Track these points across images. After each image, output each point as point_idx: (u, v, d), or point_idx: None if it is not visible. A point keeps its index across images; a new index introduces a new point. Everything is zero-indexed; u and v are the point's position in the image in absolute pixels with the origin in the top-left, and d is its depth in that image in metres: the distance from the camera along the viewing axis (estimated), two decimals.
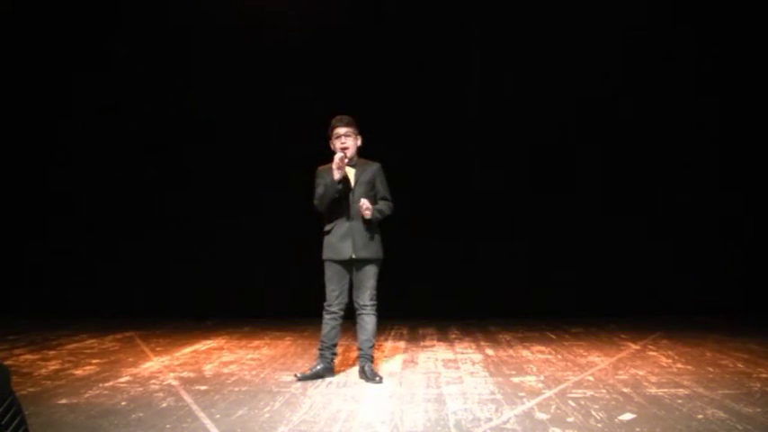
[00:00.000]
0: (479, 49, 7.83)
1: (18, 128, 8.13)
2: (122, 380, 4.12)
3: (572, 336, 6.06)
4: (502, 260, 7.64)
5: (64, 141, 8.02)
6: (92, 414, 3.27)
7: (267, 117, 7.87)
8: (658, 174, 7.65)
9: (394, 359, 4.89)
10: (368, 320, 4.07)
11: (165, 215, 7.91)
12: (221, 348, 5.49)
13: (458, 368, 4.53)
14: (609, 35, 7.57)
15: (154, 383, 4.00)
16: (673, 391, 3.68)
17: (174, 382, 4.01)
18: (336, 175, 3.96)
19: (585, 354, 5.06)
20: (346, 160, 4.01)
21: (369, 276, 4.07)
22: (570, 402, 3.44)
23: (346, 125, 4.09)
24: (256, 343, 5.79)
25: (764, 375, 4.12)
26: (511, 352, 5.19)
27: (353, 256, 4.02)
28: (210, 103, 7.86)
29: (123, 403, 3.49)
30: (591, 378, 4.09)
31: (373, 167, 4.17)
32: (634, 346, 5.34)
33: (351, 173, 4.08)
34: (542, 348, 5.35)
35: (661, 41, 7.62)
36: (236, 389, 3.84)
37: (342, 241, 4.03)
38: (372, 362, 4.11)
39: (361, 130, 4.18)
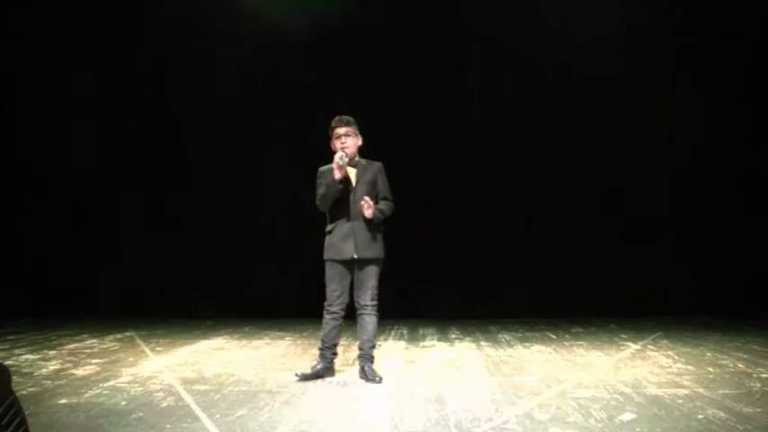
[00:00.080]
0: (480, 47, 7.82)
1: (18, 128, 8.12)
2: (122, 380, 4.12)
3: (572, 336, 6.06)
4: (502, 260, 7.64)
5: (63, 140, 8.01)
6: (92, 414, 3.27)
7: (267, 117, 7.86)
8: (657, 173, 7.64)
9: (394, 359, 4.89)
10: (368, 320, 4.07)
11: (166, 215, 7.90)
12: (221, 348, 5.49)
13: (458, 368, 4.53)
14: (610, 35, 7.57)
15: (154, 383, 4.00)
16: (673, 391, 3.68)
17: (174, 382, 4.01)
18: (337, 175, 3.96)
19: (585, 354, 5.06)
20: (347, 159, 4.01)
21: (370, 276, 4.07)
22: (570, 402, 3.44)
23: (346, 125, 4.09)
24: (256, 343, 5.79)
25: (764, 375, 4.12)
26: (511, 352, 5.19)
27: (355, 256, 4.02)
28: (210, 102, 7.85)
29: (123, 403, 3.49)
30: (591, 378, 4.08)
31: (374, 167, 4.17)
32: (634, 346, 5.34)
33: (352, 173, 4.09)
34: (542, 348, 5.35)
35: (667, 41, 7.62)
36: (236, 389, 3.84)
37: (343, 241, 4.03)
38: (372, 362, 4.11)
39: (362, 129, 4.18)
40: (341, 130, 4.08)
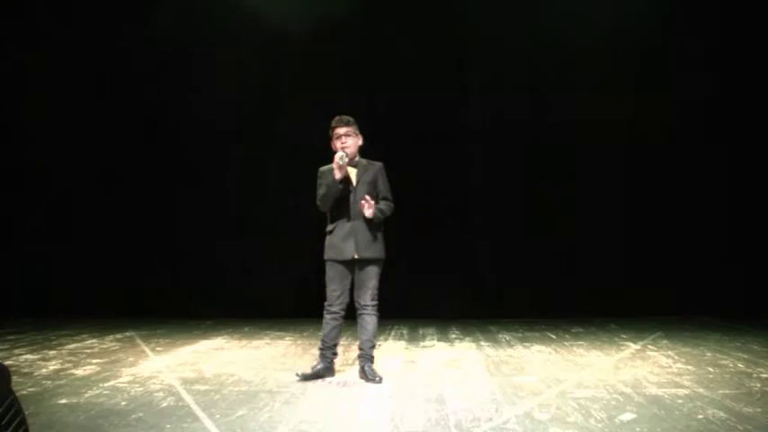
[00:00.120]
0: (480, 48, 7.83)
1: (18, 128, 8.13)
2: (122, 380, 4.12)
3: (572, 336, 6.06)
4: (502, 260, 7.64)
5: (63, 140, 8.01)
6: (92, 414, 3.27)
7: (268, 117, 7.86)
8: (658, 173, 7.64)
9: (394, 359, 4.89)
10: (369, 320, 4.07)
11: (166, 215, 7.89)
12: (221, 348, 5.49)
13: (458, 368, 4.54)
14: (611, 35, 7.59)
15: (154, 383, 4.00)
16: (673, 391, 3.68)
17: (174, 382, 4.01)
18: (337, 175, 3.96)
19: (585, 354, 5.06)
20: (347, 159, 4.01)
21: (371, 276, 4.07)
22: (570, 402, 3.44)
23: (346, 125, 4.09)
24: (256, 343, 5.79)
25: (764, 375, 4.12)
26: (511, 352, 5.19)
27: (356, 256, 4.02)
28: (210, 102, 7.85)
29: (123, 403, 3.49)
30: (591, 378, 4.08)
31: (375, 167, 4.18)
32: (634, 346, 5.34)
33: (352, 173, 4.09)
34: (542, 348, 5.35)
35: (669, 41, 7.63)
36: (236, 389, 3.84)
37: (344, 241, 4.03)
38: (372, 362, 4.11)
39: (362, 129, 4.18)
40: (341, 130, 4.08)
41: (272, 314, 7.40)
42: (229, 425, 3.05)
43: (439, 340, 5.89)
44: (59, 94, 7.95)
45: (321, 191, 4.08)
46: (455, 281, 7.55)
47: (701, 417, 3.12)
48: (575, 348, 5.32)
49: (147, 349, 5.37)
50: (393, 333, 6.31)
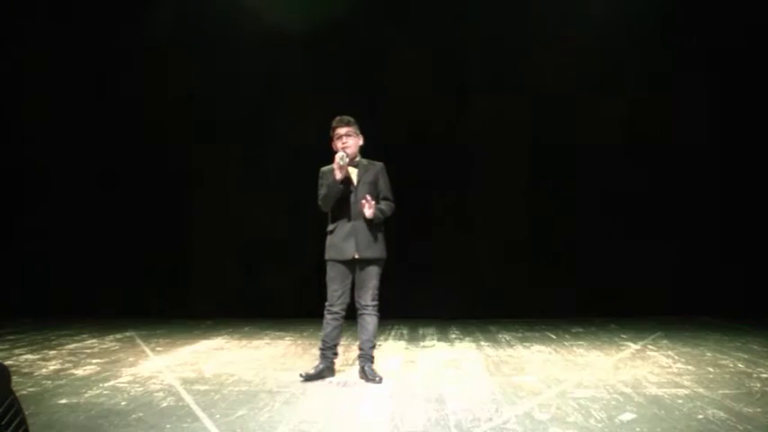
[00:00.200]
0: (480, 47, 7.83)
1: (18, 128, 8.13)
2: (122, 380, 4.12)
3: (572, 336, 6.06)
4: (502, 260, 7.63)
5: (63, 140, 8.01)
6: (92, 414, 3.27)
7: (268, 117, 7.87)
8: (658, 173, 7.64)
9: (394, 359, 4.89)
10: (369, 321, 4.07)
11: (165, 215, 7.89)
12: (221, 348, 5.49)
13: (458, 368, 4.54)
14: (610, 35, 7.60)
15: (154, 383, 4.00)
16: (673, 391, 3.68)
17: (174, 382, 4.01)
18: (338, 176, 3.97)
19: (585, 354, 5.06)
20: (347, 160, 4.01)
21: (371, 276, 4.07)
22: (570, 402, 3.44)
23: (347, 125, 4.10)
24: (256, 343, 5.79)
25: (764, 375, 4.12)
26: (511, 352, 5.19)
27: (357, 256, 4.02)
28: (211, 102, 7.85)
29: (123, 403, 3.49)
30: (591, 378, 4.09)
31: (376, 167, 4.18)
32: (634, 346, 5.34)
33: (353, 173, 4.09)
34: (542, 348, 5.35)
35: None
36: (236, 389, 3.84)
37: (345, 241, 4.03)
38: (372, 362, 4.11)
39: (362, 129, 4.19)
40: (341, 131, 4.08)
41: (272, 314, 7.40)
42: (229, 425, 3.05)
43: (439, 340, 5.89)
44: (59, 94, 7.95)
45: (322, 191, 4.08)
46: (455, 281, 7.55)
47: (701, 417, 3.12)
48: (575, 348, 5.32)
49: (147, 349, 5.37)
50: (393, 333, 6.31)
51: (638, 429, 2.94)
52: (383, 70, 7.68)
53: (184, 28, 7.85)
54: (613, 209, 7.59)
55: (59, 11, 7.93)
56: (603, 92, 7.55)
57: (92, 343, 5.71)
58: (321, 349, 4.14)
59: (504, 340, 5.84)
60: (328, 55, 7.73)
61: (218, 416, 3.21)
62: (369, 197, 3.96)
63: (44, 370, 4.47)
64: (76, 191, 7.99)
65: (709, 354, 4.95)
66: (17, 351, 5.29)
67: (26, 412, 2.11)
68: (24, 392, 3.70)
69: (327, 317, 4.08)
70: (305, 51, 7.75)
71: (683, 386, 3.80)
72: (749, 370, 4.30)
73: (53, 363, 4.74)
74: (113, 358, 4.94)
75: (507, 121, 7.67)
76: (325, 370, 4.12)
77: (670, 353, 5.00)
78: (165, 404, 3.47)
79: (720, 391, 3.65)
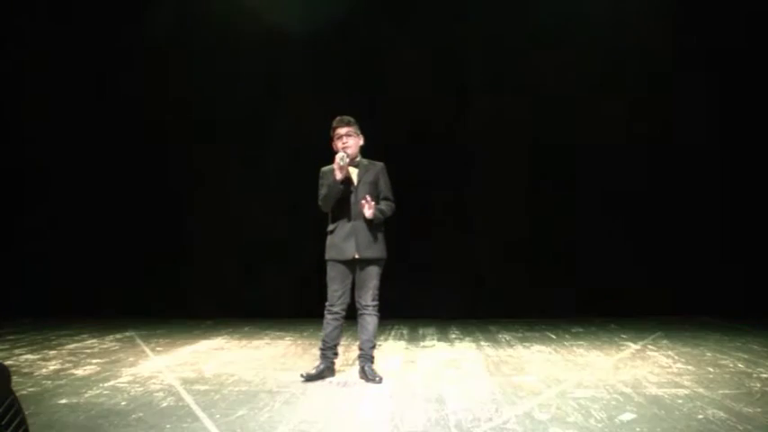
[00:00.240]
0: (480, 47, 7.83)
1: (18, 128, 8.13)
2: (122, 380, 4.12)
3: (572, 336, 6.06)
4: (502, 260, 7.63)
5: (63, 140, 8.00)
6: (92, 414, 3.27)
7: (268, 117, 7.87)
8: (658, 174, 7.64)
9: (394, 359, 4.89)
10: (369, 321, 4.07)
11: (165, 215, 7.89)
12: (221, 348, 5.49)
13: (458, 368, 4.54)
14: (610, 34, 7.60)
15: (154, 383, 4.00)
16: (673, 391, 3.68)
17: (174, 382, 4.01)
18: (338, 176, 3.97)
19: (585, 354, 5.06)
20: (347, 160, 4.01)
21: (372, 276, 4.07)
22: (570, 402, 3.44)
23: (347, 125, 4.10)
24: (256, 343, 5.79)
25: (764, 375, 4.12)
26: (511, 352, 5.19)
27: (357, 256, 4.02)
28: (211, 102, 7.85)
29: (123, 403, 3.49)
30: (591, 378, 4.09)
31: (376, 167, 4.18)
32: (634, 346, 5.34)
33: (353, 173, 4.09)
34: (542, 348, 5.35)
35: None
36: (236, 389, 3.84)
37: (345, 241, 4.03)
38: (372, 362, 4.11)
39: (362, 129, 4.19)
40: (342, 131, 4.09)
41: (272, 314, 7.40)
42: (229, 425, 3.06)
43: (439, 340, 5.89)
44: (59, 94, 7.95)
45: (322, 191, 4.09)
46: (455, 281, 7.55)
47: (701, 417, 3.12)
48: (575, 348, 5.32)
49: (147, 349, 5.37)
50: (393, 333, 6.31)
51: (638, 429, 2.94)
52: (383, 70, 7.68)
53: (184, 28, 7.85)
54: (613, 209, 7.58)
55: (59, 11, 7.93)
56: (603, 92, 7.55)
57: (92, 343, 5.71)
58: (321, 349, 4.14)
59: (504, 340, 5.84)
60: (328, 55, 7.73)
61: (218, 416, 3.21)
62: (368, 197, 3.96)
63: (44, 370, 4.47)
64: (76, 191, 7.98)
65: (709, 354, 4.95)
66: (17, 351, 5.29)
67: (26, 412, 2.11)
68: (24, 392, 3.70)
69: (328, 317, 4.08)
70: (305, 51, 7.75)
71: (683, 386, 3.80)
72: (749, 370, 4.30)
73: (53, 363, 4.74)
74: (113, 358, 4.94)
75: (507, 121, 7.68)
76: (326, 370, 4.12)
77: (670, 353, 5.00)
78: (165, 404, 3.47)
79: (720, 391, 3.65)
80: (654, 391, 3.68)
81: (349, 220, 4.05)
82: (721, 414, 3.16)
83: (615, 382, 3.91)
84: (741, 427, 2.94)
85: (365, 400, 3.58)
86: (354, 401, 3.54)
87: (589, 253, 7.55)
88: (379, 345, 5.17)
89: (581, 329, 6.44)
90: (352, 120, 4.14)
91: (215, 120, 7.86)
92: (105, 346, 5.51)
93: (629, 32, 7.62)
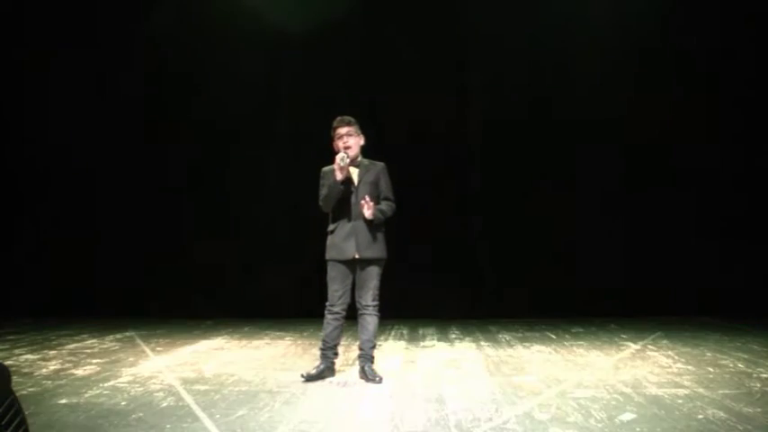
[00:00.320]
0: (480, 47, 7.83)
1: (18, 128, 8.13)
2: (122, 380, 4.12)
3: (572, 336, 6.06)
4: (502, 260, 7.63)
5: (63, 140, 8.00)
6: (92, 414, 3.27)
7: (268, 117, 7.87)
8: (657, 174, 7.63)
9: (394, 359, 4.89)
10: (369, 321, 4.07)
11: (165, 215, 7.89)
12: (221, 348, 5.49)
13: (458, 368, 4.54)
14: (610, 34, 7.61)
15: (154, 383, 4.00)
16: (673, 391, 3.68)
17: (174, 382, 4.01)
18: (338, 176, 3.97)
19: (585, 354, 5.06)
20: (348, 161, 4.01)
21: (372, 276, 4.07)
22: (570, 402, 3.44)
23: (347, 125, 4.10)
24: (256, 343, 5.79)
25: (764, 375, 4.12)
26: (511, 352, 5.19)
27: (357, 256, 4.02)
28: (210, 102, 7.85)
29: (123, 403, 3.49)
30: (591, 378, 4.09)
31: (377, 167, 4.18)
32: (634, 346, 5.34)
33: (354, 173, 4.09)
34: (542, 348, 5.35)
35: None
36: (236, 389, 3.84)
37: (345, 241, 4.03)
38: (372, 362, 4.11)
39: (364, 129, 4.19)
40: (342, 130, 4.09)
41: (272, 314, 7.40)
42: (229, 425, 3.05)
43: (439, 340, 5.89)
44: (59, 94, 7.95)
45: (323, 191, 4.09)
46: (455, 281, 7.55)
47: (701, 417, 3.12)
48: (575, 348, 5.32)
49: (147, 349, 5.37)
50: (393, 333, 6.31)
51: (638, 429, 2.94)
52: (383, 70, 7.68)
53: (185, 28, 7.84)
54: (613, 209, 7.58)
55: (59, 11, 7.92)
56: (603, 92, 7.55)
57: (92, 343, 5.71)
58: (321, 349, 4.14)
59: (504, 340, 5.84)
60: (328, 55, 7.73)
61: (218, 416, 3.21)
62: (368, 198, 3.96)
63: (44, 370, 4.47)
64: (76, 191, 7.98)
65: (709, 354, 4.95)
66: (17, 351, 5.29)
67: (26, 412, 2.11)
68: (24, 392, 3.70)
69: (328, 317, 4.08)
70: (305, 51, 7.75)
71: (683, 386, 3.80)
72: (749, 370, 4.30)
73: (53, 363, 4.74)
74: (113, 358, 4.94)
75: (507, 121, 7.68)
76: (326, 370, 4.12)
77: (670, 353, 5.00)
78: (165, 404, 3.47)
79: (720, 391, 3.65)
80: (654, 391, 3.68)
81: (349, 220, 4.05)
82: (721, 414, 3.16)
83: (615, 382, 3.91)
84: (741, 427, 2.94)
85: (365, 400, 3.58)
86: (354, 401, 3.54)
87: (589, 253, 7.55)
88: (380, 345, 5.17)
89: (581, 329, 6.44)
90: (352, 120, 4.14)
91: (215, 120, 7.86)
92: (105, 346, 5.51)
93: (629, 32, 7.62)
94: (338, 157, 3.98)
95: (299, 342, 5.77)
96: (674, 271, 7.47)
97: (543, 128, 7.65)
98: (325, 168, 4.15)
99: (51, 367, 4.56)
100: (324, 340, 4.11)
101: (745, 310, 7.11)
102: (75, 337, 6.02)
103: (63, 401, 3.53)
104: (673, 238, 7.53)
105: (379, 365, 4.23)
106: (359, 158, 4.14)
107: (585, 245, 7.57)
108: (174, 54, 7.94)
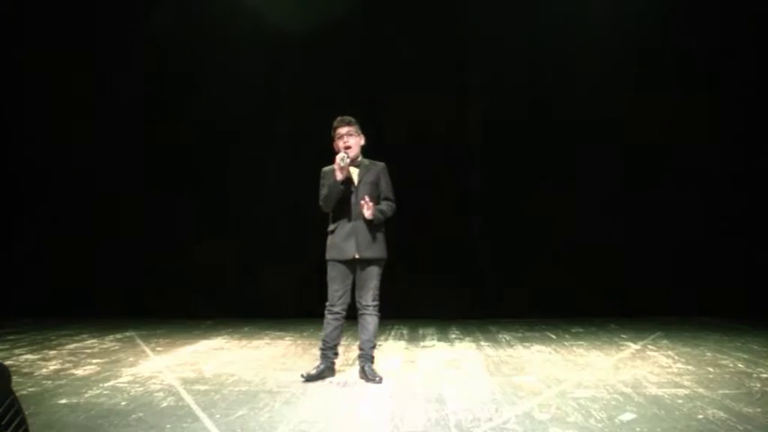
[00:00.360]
0: (480, 47, 7.84)
1: (18, 128, 8.13)
2: (122, 380, 4.12)
3: (572, 336, 6.06)
4: (502, 260, 7.63)
5: (64, 140, 8.00)
6: (92, 414, 3.27)
7: (268, 117, 7.87)
8: (657, 174, 7.64)
9: (394, 359, 4.89)
10: (370, 321, 4.07)
11: (165, 215, 7.89)
12: (221, 348, 5.49)
13: (458, 368, 4.54)
14: (610, 34, 7.62)
15: (154, 383, 4.00)
16: (673, 391, 3.68)
17: (174, 382, 4.01)
18: (338, 176, 3.97)
19: (585, 354, 5.06)
20: (348, 161, 4.01)
21: (372, 276, 4.07)
22: (570, 402, 3.44)
23: (348, 125, 4.10)
24: (256, 343, 5.79)
25: (764, 375, 4.12)
26: (511, 352, 5.19)
27: (357, 256, 4.02)
28: (210, 102, 7.85)
29: (123, 403, 3.49)
30: (591, 378, 4.09)
31: (377, 167, 4.18)
32: (634, 346, 5.34)
33: (354, 173, 4.09)
34: (542, 348, 5.35)
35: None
36: (236, 389, 3.84)
37: (345, 241, 4.03)
38: (373, 362, 4.11)
39: (364, 129, 4.19)
40: (343, 130, 4.09)
41: (272, 314, 7.40)
42: (229, 425, 3.06)
43: (439, 340, 5.89)
44: (59, 94, 7.94)
45: (323, 191, 4.09)
46: (455, 281, 7.55)
47: (701, 417, 3.12)
48: (575, 348, 5.32)
49: (147, 349, 5.37)
50: (393, 333, 6.31)
51: (638, 429, 2.94)
52: (383, 70, 7.68)
53: (185, 27, 7.84)
54: (613, 209, 7.58)
55: (59, 11, 7.92)
56: (603, 92, 7.55)
57: (92, 343, 5.71)
58: (322, 349, 4.14)
59: (504, 340, 5.84)
60: (328, 55, 7.73)
61: (218, 416, 3.21)
62: (367, 198, 3.96)
63: (44, 370, 4.47)
64: (76, 191, 7.98)
65: (709, 354, 4.95)
66: (17, 351, 5.29)
67: (26, 412, 2.11)
68: (24, 392, 3.70)
69: (328, 317, 4.08)
70: (305, 51, 7.75)
71: (683, 386, 3.80)
72: (749, 370, 4.30)
73: (53, 363, 4.74)
74: (113, 358, 4.94)
75: (507, 121, 7.68)
76: (326, 370, 4.12)
77: (670, 353, 5.00)
78: (165, 404, 3.47)
79: (720, 391, 3.65)
80: (654, 391, 3.68)
81: (349, 220, 4.05)
82: (721, 414, 3.16)
83: (615, 382, 3.91)
84: (741, 427, 2.94)
85: (365, 400, 3.58)
86: (354, 401, 3.54)
87: (589, 253, 7.55)
88: (380, 345, 5.17)
89: (581, 329, 6.44)
90: (352, 119, 4.14)
91: (215, 120, 7.86)
92: (105, 346, 5.51)
93: (629, 32, 7.62)
94: (338, 157, 3.98)
95: (299, 342, 5.77)
96: (674, 271, 7.47)
97: (543, 128, 7.65)
98: (326, 168, 4.15)
99: (51, 367, 4.56)
100: (324, 340, 4.11)
101: (745, 310, 7.11)
102: (75, 337, 6.02)
103: (63, 401, 3.53)
104: (673, 238, 7.53)
105: (379, 365, 4.23)
106: (359, 158, 4.14)
107: (585, 245, 7.57)
108: (174, 54, 7.93)
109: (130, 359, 4.90)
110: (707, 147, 7.55)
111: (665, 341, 5.59)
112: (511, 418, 3.15)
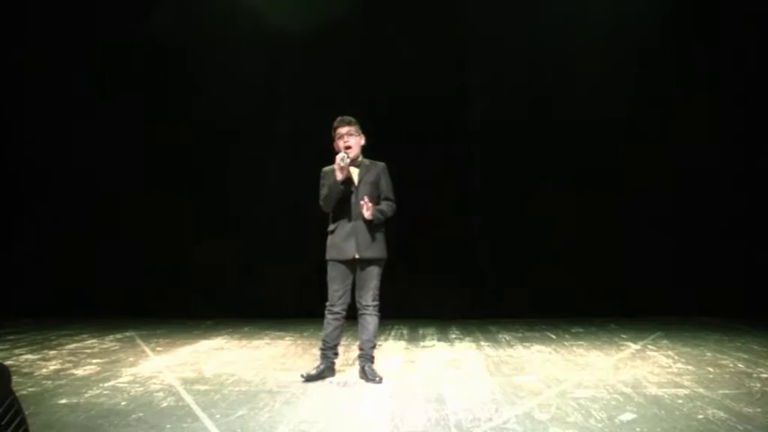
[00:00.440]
0: (480, 47, 7.83)
1: (18, 128, 8.13)
2: (122, 380, 4.12)
3: (572, 336, 6.06)
4: (502, 260, 7.63)
5: (63, 140, 8.00)
6: (92, 414, 3.27)
7: (267, 117, 7.87)
8: (657, 174, 7.63)
9: (394, 359, 4.89)
10: (370, 321, 4.07)
11: (166, 215, 7.88)
12: (221, 348, 5.49)
13: (458, 368, 4.54)
14: (610, 35, 7.61)
15: (154, 383, 4.00)
16: (673, 391, 3.68)
17: (174, 382, 4.01)
18: (339, 176, 3.97)
19: (585, 354, 5.06)
20: (348, 161, 4.01)
21: (372, 276, 4.07)
22: (570, 402, 3.44)
23: (348, 125, 4.10)
24: (256, 343, 5.79)
25: (764, 375, 4.12)
26: (511, 352, 5.19)
27: (357, 256, 4.02)
28: (210, 102, 7.85)
29: (123, 403, 3.49)
30: (591, 378, 4.09)
31: (377, 167, 4.18)
32: (634, 346, 5.34)
33: (354, 173, 4.09)
34: (542, 348, 5.35)
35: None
36: (236, 389, 3.84)
37: (345, 241, 4.03)
38: (373, 362, 4.11)
39: (364, 129, 4.19)
40: (343, 130, 4.09)
41: (272, 314, 7.40)
42: (229, 425, 3.06)
43: (439, 340, 5.89)
44: (59, 94, 7.95)
45: (323, 191, 4.09)
46: (455, 281, 7.55)
47: (701, 417, 3.13)
48: (575, 348, 5.32)
49: (147, 349, 5.37)
50: (393, 333, 6.31)
51: (638, 429, 2.94)
52: (383, 70, 7.68)
53: (185, 28, 7.84)
54: (613, 209, 7.58)
55: (59, 11, 7.92)
56: (603, 92, 7.55)
57: (92, 343, 5.71)
58: (322, 349, 4.14)
59: (504, 340, 5.84)
60: (328, 55, 7.73)
61: (218, 416, 3.21)
62: (367, 199, 3.96)
63: (44, 370, 4.47)
64: (76, 191, 7.98)
65: (709, 354, 4.95)
66: (17, 351, 5.29)
67: (26, 412, 2.11)
68: (24, 392, 3.70)
69: (328, 317, 4.08)
70: (305, 51, 7.75)
71: (683, 386, 3.80)
72: (749, 370, 4.30)
73: (53, 363, 4.74)
74: (113, 358, 4.94)
75: (507, 121, 7.68)
76: (326, 370, 4.12)
77: (670, 353, 5.00)
78: (165, 404, 3.47)
79: (720, 391, 3.65)
80: (654, 391, 3.68)
81: (349, 220, 4.05)
82: (721, 414, 3.16)
83: (615, 382, 3.91)
84: (741, 427, 2.94)
85: (365, 400, 3.58)
86: (354, 401, 3.54)
87: (589, 253, 7.55)
88: (380, 345, 5.17)
89: (581, 329, 6.44)
90: (352, 119, 4.14)
91: (215, 120, 7.86)
92: (105, 346, 5.51)
93: (629, 32, 7.62)
94: (338, 157, 3.98)
95: (299, 342, 5.77)
96: (673, 271, 7.47)
97: (543, 128, 7.65)
98: (326, 168, 4.15)
99: (51, 367, 4.56)
100: (324, 340, 4.11)
101: (745, 310, 7.11)
102: (75, 337, 6.02)
103: (63, 401, 3.53)
104: (672, 238, 7.53)
105: (379, 365, 4.23)
106: (359, 158, 4.14)
107: (585, 245, 7.57)
108: (174, 54, 7.93)
109: (130, 359, 4.90)
110: (707, 147, 7.55)
111: (665, 341, 5.59)
112: (511, 418, 3.15)
